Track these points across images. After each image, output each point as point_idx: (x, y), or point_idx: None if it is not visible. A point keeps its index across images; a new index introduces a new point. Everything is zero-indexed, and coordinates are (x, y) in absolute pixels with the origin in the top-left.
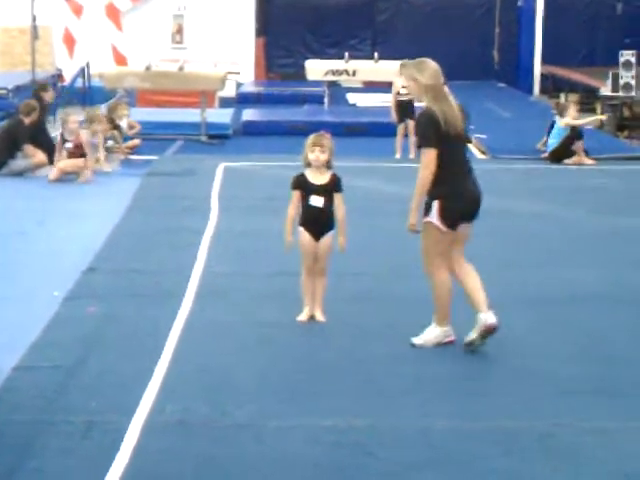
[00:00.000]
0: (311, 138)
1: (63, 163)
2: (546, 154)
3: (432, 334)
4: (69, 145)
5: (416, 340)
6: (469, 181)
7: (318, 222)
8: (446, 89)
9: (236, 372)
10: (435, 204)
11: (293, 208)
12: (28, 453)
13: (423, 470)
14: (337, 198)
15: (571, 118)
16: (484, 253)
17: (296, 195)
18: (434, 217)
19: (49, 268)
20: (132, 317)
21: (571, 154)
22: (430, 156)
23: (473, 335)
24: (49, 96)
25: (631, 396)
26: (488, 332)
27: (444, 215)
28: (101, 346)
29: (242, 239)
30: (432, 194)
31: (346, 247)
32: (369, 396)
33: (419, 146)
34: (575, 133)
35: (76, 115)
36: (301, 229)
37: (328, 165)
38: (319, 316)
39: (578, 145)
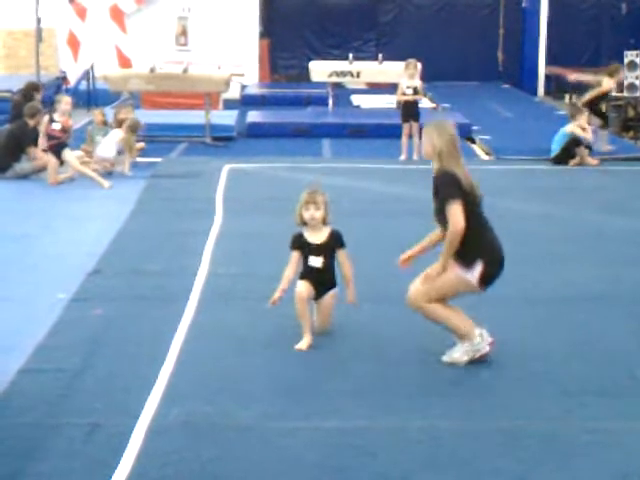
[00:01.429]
0: (304, 196)
1: (56, 174)
2: (550, 157)
3: (458, 352)
4: (57, 126)
5: (445, 358)
6: (499, 245)
7: (318, 281)
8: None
9: (240, 374)
10: (478, 266)
11: (291, 268)
12: (32, 456)
13: (424, 471)
14: (340, 255)
15: (579, 126)
16: None
17: (295, 256)
18: (474, 278)
19: (54, 270)
20: (137, 319)
21: (574, 156)
22: (456, 210)
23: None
24: (40, 95)
25: (631, 396)
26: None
27: (485, 279)
28: (106, 349)
29: (247, 241)
30: (474, 253)
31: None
32: (371, 397)
33: (441, 205)
34: (577, 140)
35: (70, 98)
36: (300, 281)
37: (324, 221)
38: None
39: (580, 150)
